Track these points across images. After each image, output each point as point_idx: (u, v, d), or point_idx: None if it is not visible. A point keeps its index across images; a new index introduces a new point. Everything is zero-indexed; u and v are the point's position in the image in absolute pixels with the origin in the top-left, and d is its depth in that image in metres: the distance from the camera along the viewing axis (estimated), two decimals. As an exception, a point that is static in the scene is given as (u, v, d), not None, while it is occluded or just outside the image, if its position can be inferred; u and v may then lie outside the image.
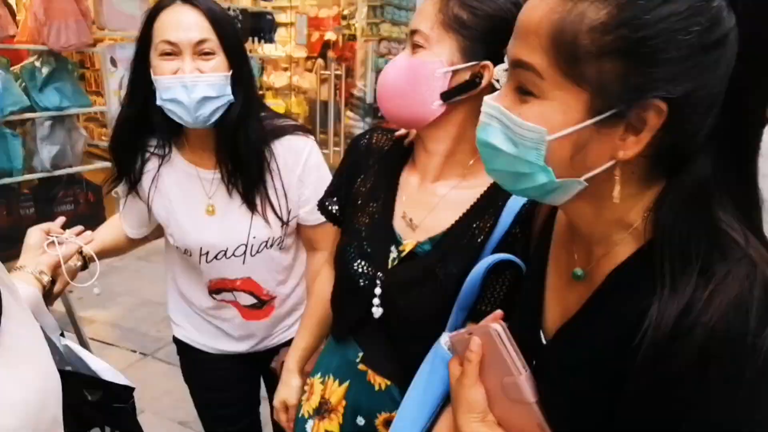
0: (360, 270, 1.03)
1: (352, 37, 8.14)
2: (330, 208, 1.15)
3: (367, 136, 1.13)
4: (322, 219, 1.23)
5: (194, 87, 1.14)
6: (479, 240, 0.96)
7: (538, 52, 0.59)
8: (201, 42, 1.15)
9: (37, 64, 3.79)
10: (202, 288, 1.40)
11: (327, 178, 1.28)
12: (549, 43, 0.58)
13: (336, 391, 1.09)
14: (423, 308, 0.97)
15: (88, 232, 1.31)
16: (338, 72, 7.24)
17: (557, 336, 0.74)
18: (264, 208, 1.29)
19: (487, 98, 0.66)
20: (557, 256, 0.79)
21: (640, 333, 0.57)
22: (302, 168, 1.31)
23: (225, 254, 1.32)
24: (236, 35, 1.22)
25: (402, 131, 1.10)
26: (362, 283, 1.03)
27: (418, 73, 0.92)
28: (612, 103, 0.58)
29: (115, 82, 4.21)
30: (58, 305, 1.91)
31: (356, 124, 7.24)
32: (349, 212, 1.10)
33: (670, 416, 0.58)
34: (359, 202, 1.08)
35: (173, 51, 1.15)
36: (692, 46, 0.55)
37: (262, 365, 1.50)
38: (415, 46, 0.92)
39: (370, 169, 1.09)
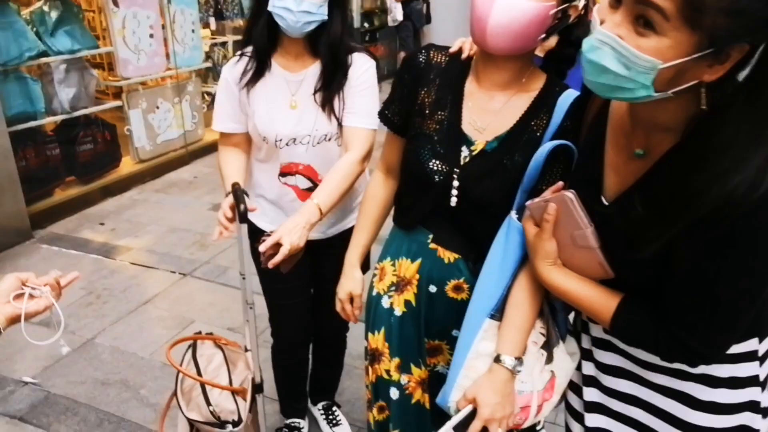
0: (435, 168, 1.23)
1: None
2: (390, 117, 1.35)
3: (423, 53, 1.30)
4: (357, 124, 1.60)
5: (301, 2, 1.49)
6: (538, 134, 1.18)
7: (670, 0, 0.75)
8: None
9: (46, 8, 3.92)
10: (272, 174, 1.72)
11: (376, 93, 1.62)
12: None
13: (409, 268, 1.33)
14: (495, 194, 1.19)
15: (66, 279, 1.19)
16: None
17: (620, 198, 0.97)
18: (330, 106, 1.62)
19: (600, 27, 0.82)
20: (615, 138, 1.01)
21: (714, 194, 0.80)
22: (360, 80, 1.63)
23: (294, 141, 1.65)
24: None
25: (455, 48, 1.29)
26: (437, 179, 1.23)
27: (537, 16, 1.08)
28: (715, 44, 0.76)
29: (119, 21, 4.35)
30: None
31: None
32: (416, 121, 1.28)
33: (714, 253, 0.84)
34: (426, 111, 1.26)
35: None
36: None
37: (311, 251, 1.77)
38: None
39: (432, 82, 1.27)
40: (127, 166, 4.72)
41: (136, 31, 4.48)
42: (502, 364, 1.10)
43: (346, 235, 1.62)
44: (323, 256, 1.82)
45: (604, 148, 1.03)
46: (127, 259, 3.55)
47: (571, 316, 1.23)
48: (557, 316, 1.17)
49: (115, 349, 2.71)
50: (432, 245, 1.30)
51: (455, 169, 1.22)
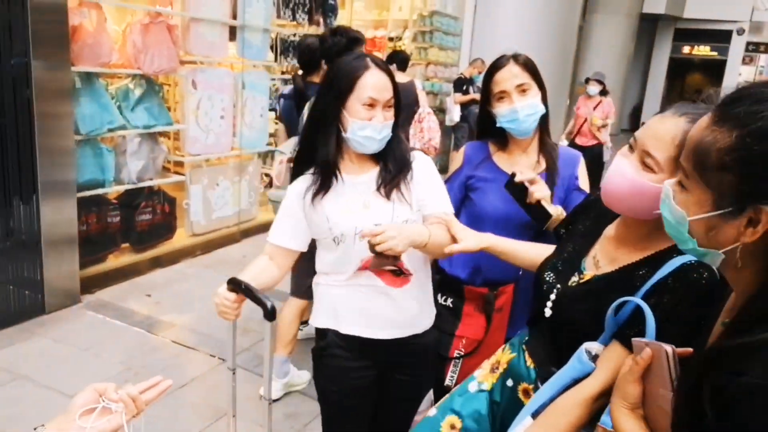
0: (547, 279, 1.40)
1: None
2: (561, 231, 1.58)
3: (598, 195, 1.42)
4: (440, 209, 1.67)
5: (381, 130, 1.59)
6: (638, 284, 1.21)
7: (687, 159, 0.86)
8: (389, 100, 1.62)
9: (131, 86, 4.16)
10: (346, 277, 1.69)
11: (439, 181, 1.73)
12: (692, 154, 0.85)
13: (505, 357, 1.49)
14: (582, 318, 1.28)
15: (156, 391, 1.14)
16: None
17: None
18: (401, 194, 1.65)
19: (667, 182, 0.93)
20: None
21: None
22: (428, 172, 1.72)
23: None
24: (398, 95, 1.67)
25: None
26: (544, 288, 1.39)
27: (646, 190, 1.18)
28: (728, 203, 0.81)
29: (194, 102, 4.57)
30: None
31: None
32: (565, 237, 1.52)
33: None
34: (574, 236, 1.47)
35: (372, 103, 1.58)
36: None
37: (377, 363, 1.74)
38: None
39: (591, 219, 1.45)
40: (180, 238, 4.80)
41: (209, 112, 4.69)
42: None
43: (424, 341, 1.70)
44: (393, 367, 1.73)
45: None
46: (169, 336, 3.52)
47: None
48: None
49: (146, 434, 2.62)
50: (524, 346, 1.45)
51: (558, 285, 1.36)
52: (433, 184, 1.71)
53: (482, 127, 1.99)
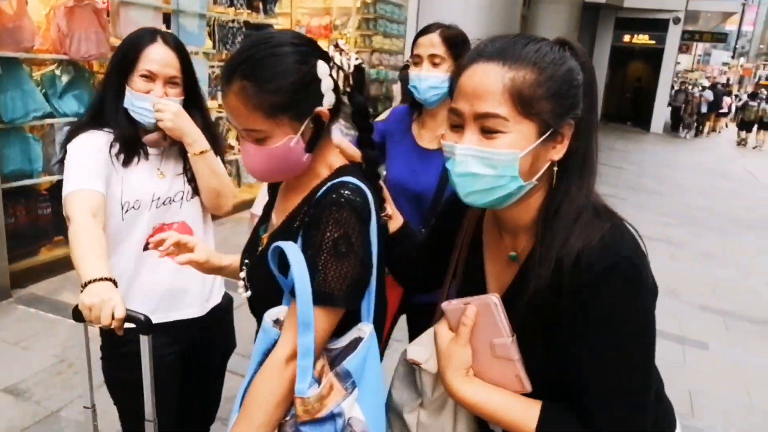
0: (244, 260, 1.26)
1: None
2: None
3: None
4: None
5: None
6: (296, 225, 1.13)
7: (501, 105, 0.90)
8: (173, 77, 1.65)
9: (57, 72, 4.01)
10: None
11: None
12: (509, 98, 0.90)
13: None
14: (264, 288, 1.16)
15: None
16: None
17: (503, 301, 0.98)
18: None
19: (450, 144, 0.94)
20: (490, 248, 1.10)
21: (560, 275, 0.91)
22: None
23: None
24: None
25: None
26: (242, 269, 1.25)
27: (282, 152, 1.11)
28: (550, 126, 0.92)
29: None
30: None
31: (349, 132, 7.51)
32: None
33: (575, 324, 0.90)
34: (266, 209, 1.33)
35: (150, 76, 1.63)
36: (579, 87, 0.95)
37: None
38: None
39: (272, 187, 1.35)
40: (117, 230, 4.65)
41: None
42: None
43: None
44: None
45: (484, 256, 1.11)
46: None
47: None
48: None
49: (80, 424, 2.55)
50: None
51: (246, 261, 1.25)
52: None
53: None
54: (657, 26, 17.75)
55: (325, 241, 1.04)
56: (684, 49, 21.61)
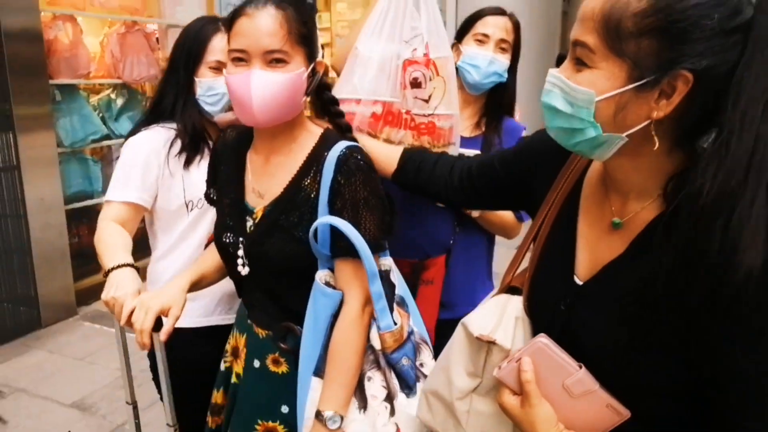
0: (227, 240, 1.26)
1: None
2: (212, 196, 1.41)
3: (221, 137, 1.38)
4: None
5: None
6: (312, 194, 1.18)
7: (591, 33, 0.75)
8: None
9: (113, 96, 4.17)
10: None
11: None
12: (600, 25, 0.74)
13: (240, 341, 1.34)
14: (277, 254, 1.19)
15: None
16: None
17: (597, 277, 0.85)
18: None
19: (551, 70, 0.82)
20: (588, 210, 0.92)
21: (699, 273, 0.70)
22: None
23: None
24: None
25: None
26: (230, 251, 1.25)
27: (294, 83, 1.15)
28: (647, 72, 0.73)
29: (178, 109, 4.57)
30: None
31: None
32: (218, 197, 1.36)
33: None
34: (222, 188, 1.33)
35: (219, 67, 1.60)
36: (714, 30, 0.70)
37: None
38: None
39: (226, 161, 1.33)
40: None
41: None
42: (320, 419, 1.12)
43: None
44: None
45: (578, 220, 0.93)
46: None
47: None
48: (399, 368, 1.17)
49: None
50: (249, 320, 1.31)
51: (240, 239, 1.24)
52: None
53: None
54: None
55: (359, 201, 1.16)
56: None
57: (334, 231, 1.14)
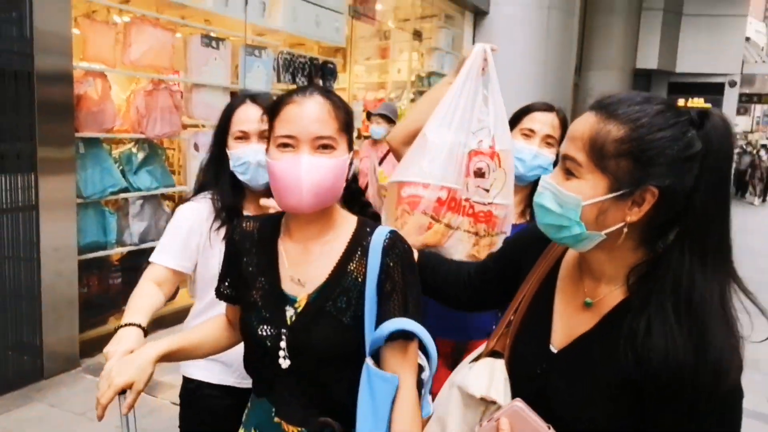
0: (264, 334, 1.20)
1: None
2: (224, 291, 1.33)
3: (237, 228, 1.33)
4: None
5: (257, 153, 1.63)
6: (359, 279, 1.18)
7: (580, 151, 0.96)
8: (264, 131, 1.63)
9: (134, 150, 4.27)
10: None
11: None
12: (588, 146, 0.95)
13: None
14: (324, 342, 1.17)
15: None
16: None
17: (569, 347, 1.04)
18: None
19: (544, 176, 1.02)
20: (564, 289, 1.11)
21: (654, 359, 0.90)
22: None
23: None
24: None
25: (276, 210, 1.37)
26: (269, 344, 1.20)
27: (341, 168, 1.19)
28: (624, 185, 0.93)
29: (197, 164, 4.64)
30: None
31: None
32: (243, 291, 1.27)
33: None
34: (249, 280, 1.27)
35: (243, 136, 1.69)
36: (674, 157, 0.91)
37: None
38: None
39: (249, 251, 1.28)
40: (183, 299, 4.77)
41: (211, 173, 4.76)
42: None
43: None
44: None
45: (554, 298, 1.12)
46: (168, 397, 3.45)
47: None
48: None
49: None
50: (276, 419, 1.22)
51: (282, 330, 1.20)
52: None
53: None
54: (712, 89, 17.51)
55: (408, 284, 1.18)
56: (742, 111, 21.18)
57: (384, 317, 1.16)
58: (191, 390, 1.76)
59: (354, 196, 1.37)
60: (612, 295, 1.02)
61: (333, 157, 1.17)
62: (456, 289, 1.40)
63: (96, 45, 3.82)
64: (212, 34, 4.62)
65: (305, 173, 1.13)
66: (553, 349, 1.07)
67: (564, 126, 1.86)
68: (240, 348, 1.54)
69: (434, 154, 1.54)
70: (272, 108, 1.21)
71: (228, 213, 1.66)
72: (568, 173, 0.97)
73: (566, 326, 1.07)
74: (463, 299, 1.40)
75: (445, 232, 1.59)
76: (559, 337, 1.07)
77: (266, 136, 1.55)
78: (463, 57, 1.65)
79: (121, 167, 4.16)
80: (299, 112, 1.16)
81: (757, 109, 35.92)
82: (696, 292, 0.91)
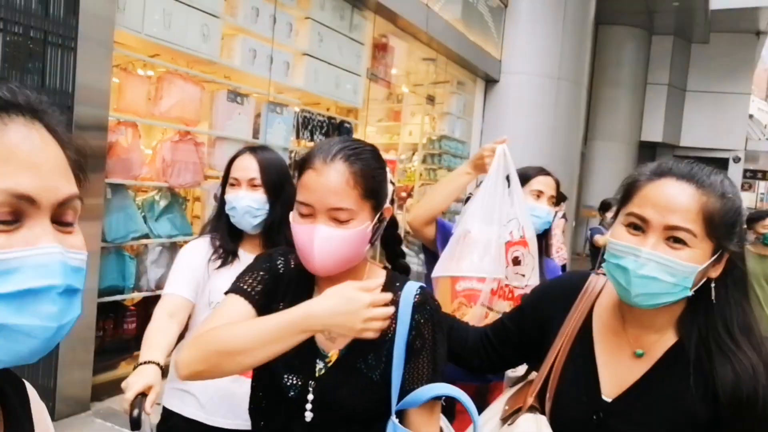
0: (290, 383, 1.18)
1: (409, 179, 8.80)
2: (248, 289, 1.25)
3: (283, 258, 1.28)
4: None
5: (242, 200, 1.80)
6: (389, 335, 1.18)
7: (694, 222, 1.04)
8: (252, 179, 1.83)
9: (157, 197, 4.38)
10: None
11: None
12: (701, 217, 1.04)
13: None
14: (353, 400, 1.16)
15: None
16: (398, 213, 7.78)
17: (625, 395, 1.12)
18: None
19: (633, 246, 1.07)
20: (604, 340, 1.18)
21: (715, 396, 1.06)
22: None
23: None
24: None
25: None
26: (292, 394, 1.17)
27: (358, 238, 1.18)
28: (722, 248, 1.06)
29: (215, 214, 4.76)
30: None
31: (411, 259, 7.68)
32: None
33: None
34: None
35: (234, 183, 1.87)
36: (740, 229, 1.09)
37: None
38: None
39: (285, 293, 1.25)
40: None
41: (229, 224, 4.87)
42: None
43: None
44: None
45: (594, 349, 1.18)
46: None
47: None
48: None
49: None
50: None
51: (310, 382, 1.18)
52: None
53: None
54: (716, 165, 17.63)
55: (438, 341, 1.20)
56: (746, 187, 21.42)
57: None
58: (165, 418, 1.87)
59: (389, 243, 1.41)
60: (660, 342, 1.13)
61: (349, 228, 1.14)
62: (473, 353, 1.40)
63: (130, 96, 4.00)
64: (240, 90, 4.82)
65: (318, 246, 1.13)
66: (607, 398, 1.14)
67: (558, 187, 2.23)
68: (211, 384, 1.66)
69: (481, 249, 1.79)
70: (299, 166, 1.20)
71: (224, 250, 1.85)
72: (676, 241, 1.04)
73: (615, 375, 1.15)
74: (484, 363, 1.40)
75: (493, 317, 1.76)
76: (610, 387, 1.14)
77: (255, 184, 1.80)
78: (480, 152, 1.94)
79: (143, 213, 4.27)
80: (317, 180, 1.13)
81: (761, 186, 36.26)
82: (746, 321, 1.08)
